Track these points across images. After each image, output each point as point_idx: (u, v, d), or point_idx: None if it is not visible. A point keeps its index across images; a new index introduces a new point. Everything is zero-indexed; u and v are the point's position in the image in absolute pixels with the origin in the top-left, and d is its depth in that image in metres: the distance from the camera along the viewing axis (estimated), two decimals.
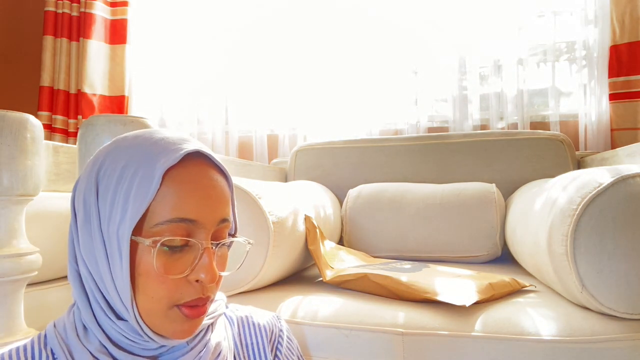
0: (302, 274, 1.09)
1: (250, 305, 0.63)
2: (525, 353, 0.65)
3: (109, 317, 0.44)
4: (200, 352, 0.48)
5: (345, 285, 0.89)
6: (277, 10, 1.99)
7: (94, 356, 0.43)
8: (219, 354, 0.50)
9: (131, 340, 0.44)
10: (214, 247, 0.45)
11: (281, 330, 0.60)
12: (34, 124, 0.72)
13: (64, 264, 0.62)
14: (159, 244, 0.41)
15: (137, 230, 0.42)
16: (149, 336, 0.44)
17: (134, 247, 0.42)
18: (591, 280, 0.66)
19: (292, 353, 0.60)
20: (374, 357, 0.70)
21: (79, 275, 0.45)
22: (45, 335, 0.46)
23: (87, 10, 2.06)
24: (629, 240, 0.64)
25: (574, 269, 0.67)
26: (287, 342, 0.60)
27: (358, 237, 1.32)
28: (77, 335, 0.44)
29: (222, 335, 0.52)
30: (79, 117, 2.05)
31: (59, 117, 2.06)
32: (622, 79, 1.58)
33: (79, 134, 0.80)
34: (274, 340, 0.59)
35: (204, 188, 0.44)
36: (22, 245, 0.70)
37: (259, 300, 0.84)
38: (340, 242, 1.38)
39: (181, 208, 0.42)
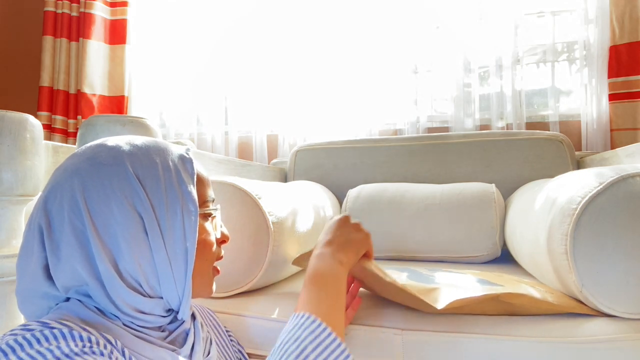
0: (302, 274, 1.09)
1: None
2: (525, 353, 0.65)
3: (134, 308, 0.46)
4: (192, 320, 0.56)
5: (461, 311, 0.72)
6: (277, 10, 1.99)
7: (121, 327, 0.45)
8: (201, 323, 0.59)
9: (145, 320, 0.47)
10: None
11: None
12: (34, 124, 0.72)
13: None
14: (219, 210, 0.55)
15: None
16: (184, 306, 0.48)
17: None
18: (591, 280, 0.66)
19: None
20: (373, 356, 0.70)
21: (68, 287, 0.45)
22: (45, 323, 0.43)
23: (87, 11, 2.06)
24: (629, 239, 0.64)
25: (573, 268, 0.67)
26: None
27: None
28: (95, 313, 0.44)
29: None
30: (79, 117, 2.05)
31: (59, 117, 2.06)
32: (621, 79, 1.58)
33: (78, 134, 0.80)
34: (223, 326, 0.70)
35: (207, 174, 0.56)
36: None
37: (259, 300, 0.84)
38: None
39: (210, 190, 0.54)
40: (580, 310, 0.69)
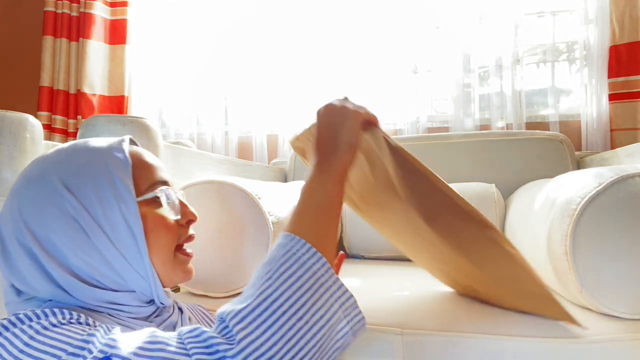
0: None
1: None
2: (525, 353, 0.65)
3: (109, 302, 0.47)
4: (180, 314, 0.56)
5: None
6: (277, 10, 1.99)
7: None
8: (189, 318, 0.58)
9: (128, 312, 0.48)
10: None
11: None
12: (34, 124, 0.72)
13: None
14: (164, 191, 0.51)
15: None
16: (158, 294, 0.49)
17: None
18: (591, 280, 0.66)
19: None
20: (373, 356, 0.70)
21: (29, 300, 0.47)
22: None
23: (87, 11, 2.06)
24: (629, 240, 0.64)
25: (573, 268, 0.67)
26: None
27: (358, 237, 1.32)
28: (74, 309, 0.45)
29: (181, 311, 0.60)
30: (79, 117, 2.05)
31: (59, 117, 2.06)
32: (621, 79, 1.58)
33: (78, 134, 0.80)
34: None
35: (156, 160, 0.55)
36: None
37: None
38: (340, 242, 1.38)
39: (155, 174, 0.52)
40: (561, 315, 0.65)
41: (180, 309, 0.57)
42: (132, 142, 0.56)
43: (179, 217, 0.52)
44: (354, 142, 0.55)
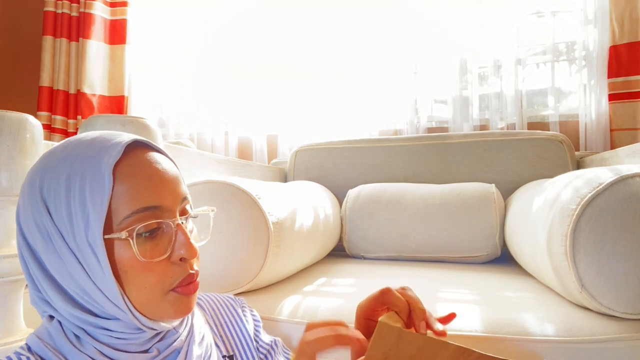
0: (302, 274, 1.09)
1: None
2: (525, 353, 0.65)
3: (95, 325, 0.43)
4: (188, 335, 0.49)
5: None
6: (278, 10, 1.99)
7: (92, 359, 0.42)
8: (203, 337, 0.51)
9: (123, 338, 0.44)
10: (183, 223, 0.45)
11: (243, 303, 0.63)
12: (34, 124, 0.72)
13: None
14: (134, 232, 0.41)
15: (107, 230, 0.41)
16: (145, 325, 0.44)
17: (110, 247, 0.41)
18: (590, 280, 0.66)
19: (259, 322, 0.63)
20: None
21: (45, 299, 0.44)
22: (29, 347, 0.43)
23: (87, 11, 2.06)
24: (629, 240, 0.64)
25: (573, 268, 0.67)
26: (251, 311, 0.63)
27: (358, 238, 1.32)
28: (70, 341, 0.43)
29: (202, 320, 0.54)
30: (79, 117, 2.05)
31: (59, 117, 2.06)
32: (621, 79, 1.58)
33: (78, 134, 0.80)
34: (245, 310, 0.62)
35: (156, 173, 0.44)
36: None
37: (259, 300, 0.84)
38: (340, 242, 1.38)
39: (142, 198, 0.42)
40: None
41: (190, 329, 0.51)
42: (142, 144, 0.46)
43: (163, 255, 0.43)
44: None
